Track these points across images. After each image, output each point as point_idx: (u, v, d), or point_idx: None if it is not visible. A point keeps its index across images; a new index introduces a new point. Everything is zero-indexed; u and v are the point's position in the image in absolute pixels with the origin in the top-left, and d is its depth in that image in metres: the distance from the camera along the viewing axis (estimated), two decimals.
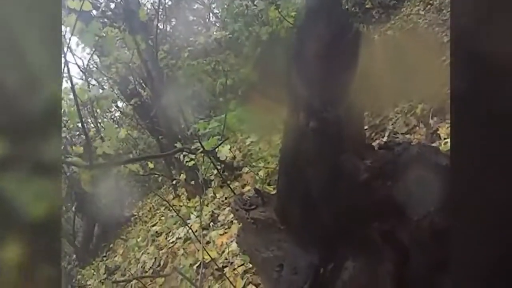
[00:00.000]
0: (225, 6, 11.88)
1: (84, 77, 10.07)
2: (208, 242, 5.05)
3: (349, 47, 1.60)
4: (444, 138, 3.53)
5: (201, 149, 4.67)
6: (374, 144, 1.89)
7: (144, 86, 9.58)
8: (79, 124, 5.08)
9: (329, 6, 1.64)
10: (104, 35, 5.17)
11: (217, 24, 14.28)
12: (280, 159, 1.83)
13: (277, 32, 10.16)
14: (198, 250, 4.88)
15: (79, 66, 9.73)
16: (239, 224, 2.87)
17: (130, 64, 8.27)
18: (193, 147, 4.96)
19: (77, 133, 10.42)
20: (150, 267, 5.89)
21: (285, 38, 10.07)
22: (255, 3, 11.00)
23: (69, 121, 7.57)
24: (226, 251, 4.50)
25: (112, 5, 9.31)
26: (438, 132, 3.76)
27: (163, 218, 8.13)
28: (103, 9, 9.12)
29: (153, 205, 10.12)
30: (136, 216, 10.22)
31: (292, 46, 1.66)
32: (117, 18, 8.91)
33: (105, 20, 9.05)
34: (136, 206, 11.48)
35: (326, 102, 1.58)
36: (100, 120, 12.32)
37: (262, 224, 2.24)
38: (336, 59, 1.58)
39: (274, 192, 2.50)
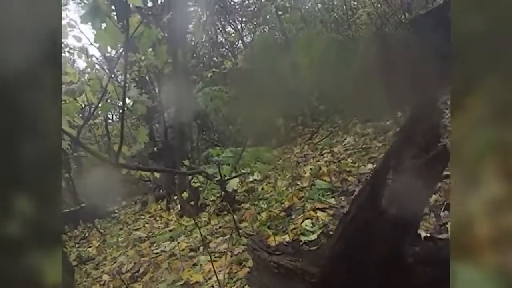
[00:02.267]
0: (260, 39, 12.08)
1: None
2: (195, 265, 5.12)
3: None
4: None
5: (218, 177, 4.78)
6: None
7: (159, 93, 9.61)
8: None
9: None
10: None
11: (243, 53, 14.44)
12: (345, 225, 1.97)
13: (303, 79, 10.32)
14: (184, 269, 4.96)
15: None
16: (254, 262, 2.96)
17: (156, 69, 8.38)
18: (210, 171, 5.07)
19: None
20: (128, 270, 5.93)
21: (310, 87, 10.22)
22: (291, 45, 11.20)
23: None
24: (213, 278, 4.58)
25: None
26: (447, 226, 3.89)
27: (147, 225, 8.18)
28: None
29: (137, 209, 10.17)
30: (118, 215, 10.25)
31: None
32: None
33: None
34: (120, 205, 11.48)
35: (409, 196, 1.77)
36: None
37: (286, 271, 2.36)
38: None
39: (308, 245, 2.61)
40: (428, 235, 2.61)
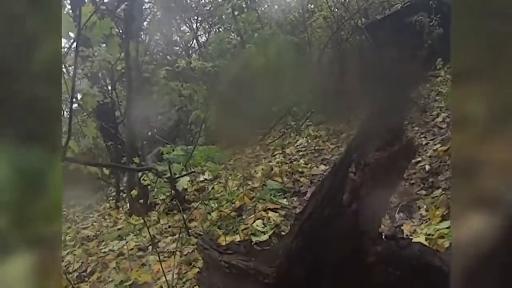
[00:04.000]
0: (215, 39, 12.01)
1: None
2: (143, 265, 5.01)
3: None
4: (407, 235, 3.65)
5: (168, 174, 4.69)
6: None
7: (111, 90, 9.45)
8: None
9: None
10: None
11: (198, 53, 14.38)
12: (301, 222, 1.90)
13: (257, 80, 10.31)
14: (132, 269, 4.84)
15: None
16: (204, 262, 2.87)
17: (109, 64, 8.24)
18: (160, 169, 4.97)
19: None
20: (75, 270, 5.78)
21: (264, 87, 10.22)
22: (246, 46, 11.16)
23: None
24: (162, 279, 4.48)
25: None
26: (402, 228, 3.89)
27: (95, 224, 8.00)
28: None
29: (85, 207, 9.95)
30: (66, 213, 10.01)
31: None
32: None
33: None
34: (67, 203, 11.22)
35: (372, 190, 1.71)
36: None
37: (238, 271, 2.27)
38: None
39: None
40: (391, 233, 2.57)
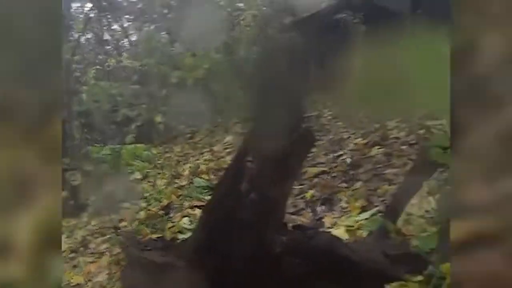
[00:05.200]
0: (144, 37, 11.91)
1: None
2: (75, 266, 4.99)
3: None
4: (328, 227, 3.75)
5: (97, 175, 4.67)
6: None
7: None
8: None
9: None
10: None
11: (129, 52, 14.21)
12: (207, 215, 1.96)
13: (186, 79, 10.34)
14: (64, 271, 4.81)
15: None
16: (127, 259, 2.92)
17: None
18: (89, 169, 4.95)
19: None
20: None
21: (193, 86, 10.27)
22: (174, 45, 11.13)
23: None
24: (93, 280, 4.48)
25: None
26: (323, 220, 4.00)
27: None
28: None
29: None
30: None
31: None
32: None
33: None
34: None
35: (270, 178, 1.78)
36: None
37: (156, 267, 2.34)
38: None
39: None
40: (297, 223, 2.66)
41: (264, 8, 12.19)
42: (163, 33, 12.85)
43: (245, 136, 1.96)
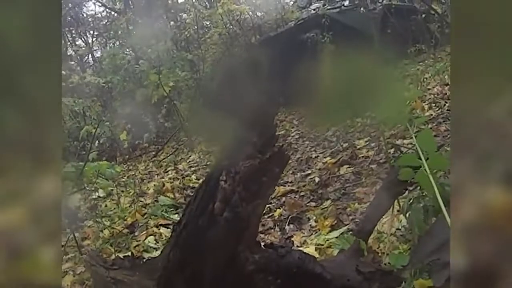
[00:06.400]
0: (109, 54, 11.83)
1: None
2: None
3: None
4: (297, 246, 3.73)
5: None
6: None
7: None
8: None
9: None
10: None
11: (93, 68, 14.14)
12: (178, 234, 1.91)
13: (150, 97, 10.30)
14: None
15: None
16: (92, 279, 2.85)
17: None
18: None
19: None
20: None
21: (156, 105, 10.22)
22: (139, 62, 11.08)
23: None
24: None
25: None
26: (292, 239, 3.97)
27: None
28: None
29: None
30: None
31: None
32: None
33: None
34: None
35: (244, 197, 1.74)
36: None
37: (123, 287, 2.27)
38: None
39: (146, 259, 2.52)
40: (269, 242, 2.62)
41: (231, 27, 12.25)
42: (128, 50, 12.81)
43: (218, 155, 1.93)
